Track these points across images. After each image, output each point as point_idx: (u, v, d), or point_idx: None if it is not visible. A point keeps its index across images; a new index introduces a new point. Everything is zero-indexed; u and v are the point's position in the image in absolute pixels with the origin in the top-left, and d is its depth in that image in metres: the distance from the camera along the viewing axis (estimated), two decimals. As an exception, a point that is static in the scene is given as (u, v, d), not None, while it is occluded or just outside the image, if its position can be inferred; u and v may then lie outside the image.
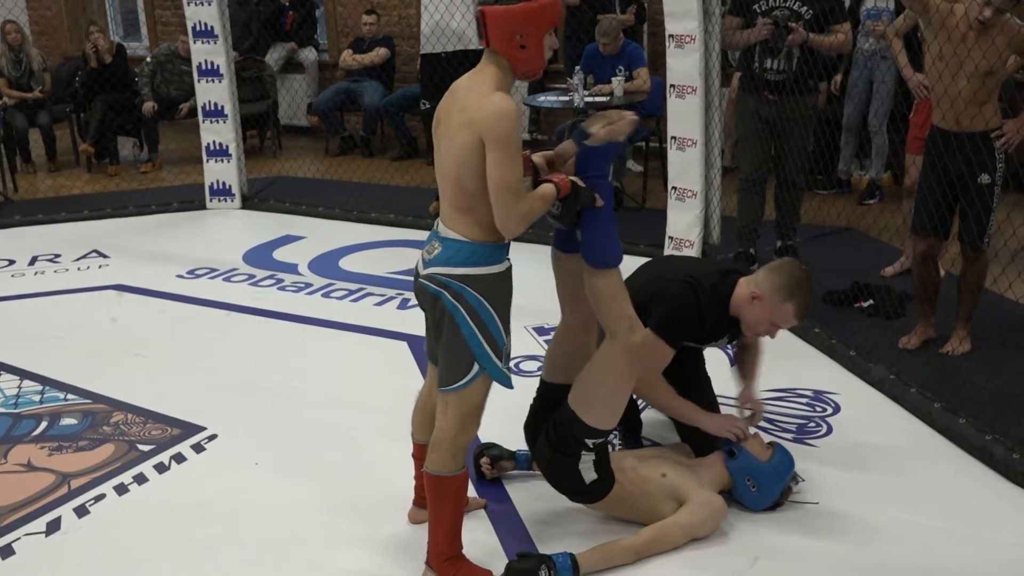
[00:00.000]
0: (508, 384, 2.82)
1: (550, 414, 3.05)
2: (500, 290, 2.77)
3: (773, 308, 3.23)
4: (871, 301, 4.79)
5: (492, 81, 2.69)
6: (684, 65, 5.43)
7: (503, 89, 2.69)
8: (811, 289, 3.28)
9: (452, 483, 2.82)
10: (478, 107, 2.63)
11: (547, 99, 6.97)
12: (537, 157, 2.88)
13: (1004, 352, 4.17)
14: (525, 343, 4.52)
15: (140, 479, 3.57)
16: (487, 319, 2.73)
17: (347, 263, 6.04)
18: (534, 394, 3.18)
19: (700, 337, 3.36)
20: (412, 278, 2.93)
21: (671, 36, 5.45)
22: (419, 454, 3.11)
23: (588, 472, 3.01)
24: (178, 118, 8.42)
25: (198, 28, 6.93)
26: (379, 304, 5.29)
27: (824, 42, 5.06)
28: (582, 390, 2.95)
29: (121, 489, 3.51)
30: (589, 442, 2.97)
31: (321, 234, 6.60)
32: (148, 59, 8.60)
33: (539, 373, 3.21)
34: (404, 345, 4.62)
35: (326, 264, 6.03)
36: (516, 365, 4.12)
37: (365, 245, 6.37)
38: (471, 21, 6.54)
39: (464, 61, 2.78)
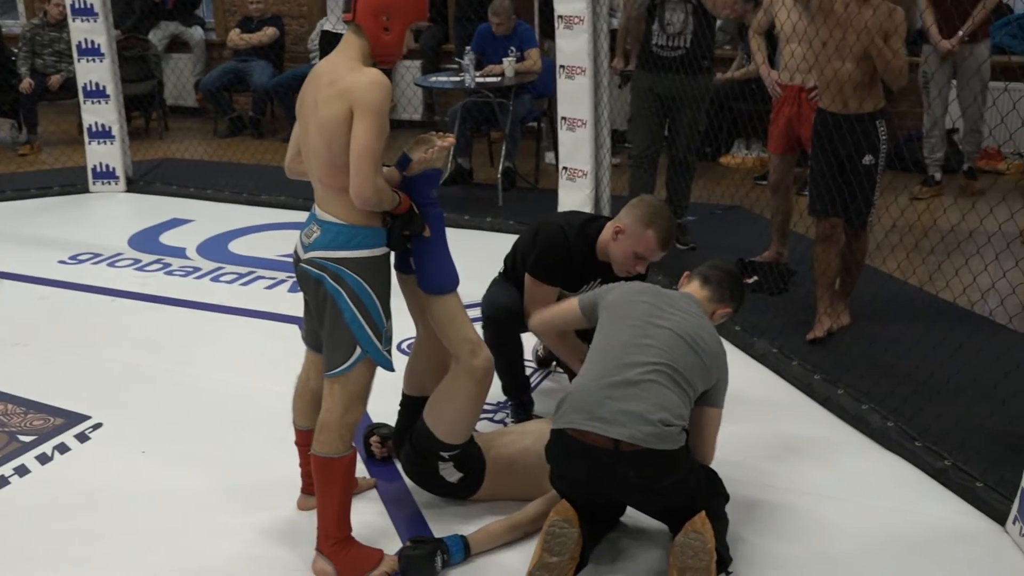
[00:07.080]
0: (389, 367, 2.84)
1: (413, 425, 3.15)
2: (379, 273, 2.79)
3: (636, 238, 3.35)
4: (756, 278, 4.92)
5: (358, 59, 2.70)
6: (573, 46, 5.47)
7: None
8: (670, 218, 3.41)
9: (340, 464, 2.82)
10: (351, 79, 2.63)
11: (439, 80, 6.96)
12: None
13: (879, 324, 4.33)
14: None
15: (21, 471, 3.48)
16: (367, 302, 2.75)
17: (237, 246, 5.96)
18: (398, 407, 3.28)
19: (572, 278, 3.51)
20: (303, 261, 2.91)
21: (560, 17, 5.48)
22: (302, 440, 3.11)
23: (451, 474, 3.14)
24: (51, 89, 8.13)
25: (77, 6, 6.71)
26: (269, 288, 5.23)
27: (714, 1, 5.04)
28: (434, 409, 3.07)
29: (2, 482, 3.41)
30: (444, 454, 3.10)
31: (210, 217, 6.49)
32: (24, 34, 8.29)
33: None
34: (295, 328, 4.54)
35: (215, 248, 5.93)
36: (409, 347, 4.11)
37: (255, 228, 6.29)
38: None
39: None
